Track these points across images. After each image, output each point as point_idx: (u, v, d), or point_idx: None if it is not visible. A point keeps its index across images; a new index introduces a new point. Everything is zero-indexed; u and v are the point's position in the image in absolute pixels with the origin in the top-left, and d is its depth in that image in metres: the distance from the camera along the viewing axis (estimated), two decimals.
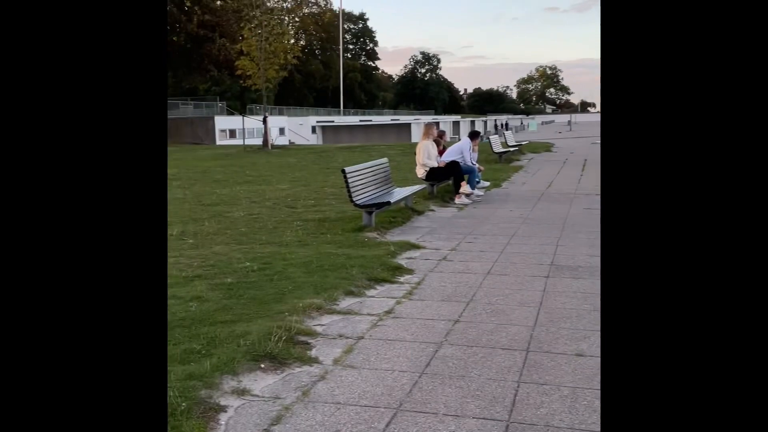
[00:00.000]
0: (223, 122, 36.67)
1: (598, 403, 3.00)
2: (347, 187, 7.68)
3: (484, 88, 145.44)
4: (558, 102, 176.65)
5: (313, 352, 3.74)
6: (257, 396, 3.17)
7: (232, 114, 40.24)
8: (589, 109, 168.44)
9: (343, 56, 63.55)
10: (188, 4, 29.98)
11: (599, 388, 3.00)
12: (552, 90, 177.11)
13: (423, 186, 10.00)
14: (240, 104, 48.68)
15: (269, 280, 5.21)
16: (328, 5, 75.01)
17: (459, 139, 14.21)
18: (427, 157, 10.21)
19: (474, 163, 10.89)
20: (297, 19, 69.58)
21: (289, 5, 69.14)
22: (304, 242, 6.87)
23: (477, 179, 10.82)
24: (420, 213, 8.98)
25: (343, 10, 64.95)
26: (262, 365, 3.48)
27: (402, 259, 6.14)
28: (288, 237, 7.18)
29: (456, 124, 60.99)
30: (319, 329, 4.12)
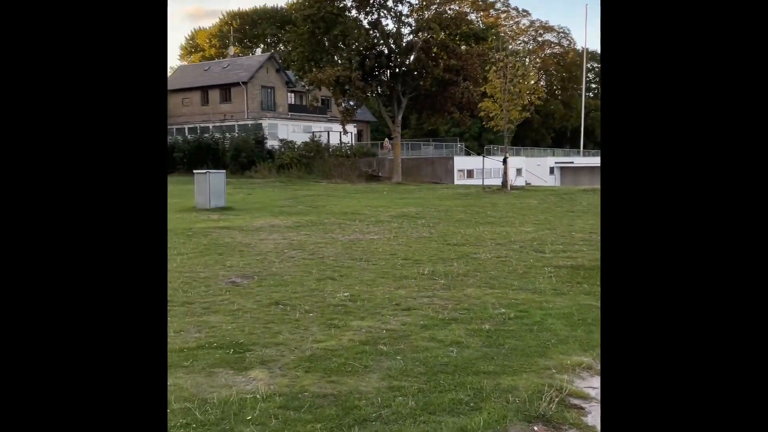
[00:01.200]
0: (461, 162, 37.45)
1: None
2: None
3: None
4: None
5: (590, 419, 3.38)
6: None
7: (469, 154, 40.98)
8: None
9: (585, 95, 61.58)
10: (435, 50, 31.29)
11: None
12: None
13: None
14: (477, 144, 49.52)
15: (529, 331, 4.95)
16: (571, 45, 73.59)
17: None
18: None
19: None
20: (539, 60, 69.31)
21: (531, 47, 69.37)
22: (560, 291, 6.49)
23: None
24: None
25: (586, 50, 63.12)
26: (536, 428, 3.22)
27: None
28: (541, 284, 6.85)
29: None
30: (592, 392, 3.74)
